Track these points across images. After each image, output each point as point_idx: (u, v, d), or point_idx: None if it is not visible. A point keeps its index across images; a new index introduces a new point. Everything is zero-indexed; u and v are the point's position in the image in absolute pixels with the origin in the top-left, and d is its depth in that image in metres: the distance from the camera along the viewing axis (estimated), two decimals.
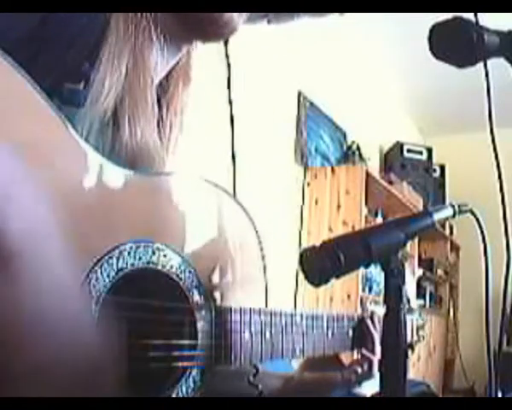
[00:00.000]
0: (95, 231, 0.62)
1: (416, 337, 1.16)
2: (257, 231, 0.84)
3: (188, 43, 0.82)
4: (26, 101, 0.56)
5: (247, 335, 0.77)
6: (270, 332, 0.81)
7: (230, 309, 0.76)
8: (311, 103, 3.53)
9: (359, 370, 0.98)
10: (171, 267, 0.71)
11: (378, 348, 0.97)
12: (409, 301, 1.17)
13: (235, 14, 0.74)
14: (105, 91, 0.68)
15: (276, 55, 3.01)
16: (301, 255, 0.67)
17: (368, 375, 0.99)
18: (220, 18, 0.73)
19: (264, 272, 0.85)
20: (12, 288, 0.46)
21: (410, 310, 1.15)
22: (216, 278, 0.77)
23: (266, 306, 0.84)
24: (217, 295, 0.76)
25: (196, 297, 0.73)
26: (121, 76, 0.69)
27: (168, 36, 0.75)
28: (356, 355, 1.01)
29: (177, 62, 0.83)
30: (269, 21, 0.82)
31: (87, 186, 0.62)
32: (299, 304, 3.22)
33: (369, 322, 1.01)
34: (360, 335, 1.00)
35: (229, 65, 0.84)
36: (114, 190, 0.66)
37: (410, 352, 1.12)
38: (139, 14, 0.71)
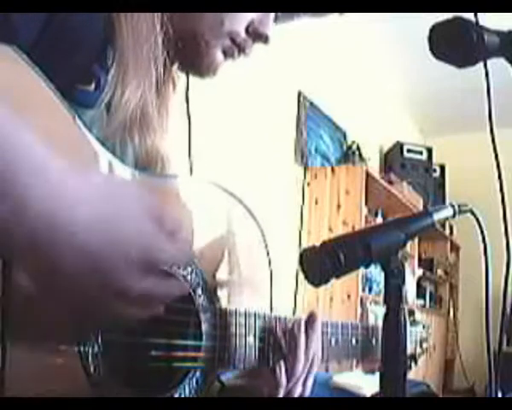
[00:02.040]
0: None
1: (419, 350, 1.15)
2: (264, 235, 0.84)
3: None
4: (41, 98, 0.57)
5: (251, 338, 0.77)
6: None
7: (235, 312, 0.76)
8: (311, 103, 3.53)
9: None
10: (178, 268, 0.71)
11: (301, 356, 0.82)
12: (414, 313, 1.16)
13: (218, 59, 0.78)
14: (124, 103, 0.68)
15: (276, 55, 3.01)
16: (301, 255, 0.67)
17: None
18: (205, 61, 0.78)
19: (271, 276, 0.84)
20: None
21: (415, 322, 1.14)
22: (222, 281, 0.77)
23: (271, 310, 0.84)
24: (222, 297, 0.76)
25: (202, 299, 0.73)
26: (138, 89, 0.70)
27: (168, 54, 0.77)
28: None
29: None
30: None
31: (97, 184, 0.62)
32: (299, 304, 3.22)
33: (298, 326, 0.84)
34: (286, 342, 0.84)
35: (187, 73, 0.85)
36: (123, 189, 0.66)
37: (413, 364, 1.11)
38: (148, 29, 0.71)
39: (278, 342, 0.82)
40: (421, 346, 1.16)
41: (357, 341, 0.97)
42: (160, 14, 0.72)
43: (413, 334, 1.12)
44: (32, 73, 0.56)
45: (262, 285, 0.84)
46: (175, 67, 0.82)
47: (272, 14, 0.80)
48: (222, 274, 0.77)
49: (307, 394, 0.85)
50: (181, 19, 0.74)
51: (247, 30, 0.78)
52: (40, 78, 0.56)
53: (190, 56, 0.78)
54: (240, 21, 0.77)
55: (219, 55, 0.78)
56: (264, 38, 0.79)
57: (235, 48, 0.78)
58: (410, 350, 1.12)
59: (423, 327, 1.17)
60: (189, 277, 0.72)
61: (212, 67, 0.79)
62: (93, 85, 0.69)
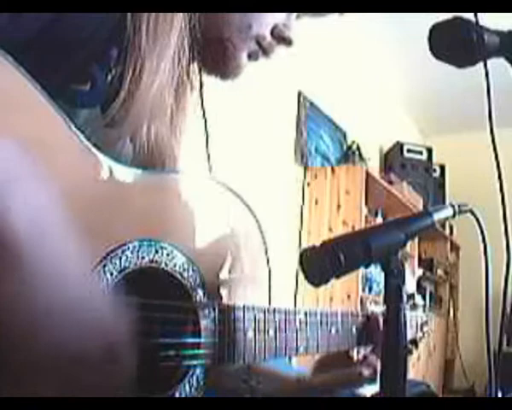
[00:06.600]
0: (98, 229, 0.62)
1: (420, 334, 1.15)
2: (262, 232, 0.84)
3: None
4: (27, 99, 0.56)
5: (250, 333, 0.77)
6: (274, 330, 0.81)
7: (234, 307, 0.76)
8: (311, 103, 3.53)
9: (366, 373, 0.97)
10: (175, 266, 0.71)
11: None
12: (413, 296, 1.15)
13: (243, 62, 0.79)
14: (140, 104, 0.69)
15: (276, 56, 3.01)
16: (301, 255, 0.67)
17: (374, 378, 0.97)
18: (231, 64, 0.79)
19: (269, 274, 0.84)
20: (16, 284, 0.46)
21: (414, 306, 1.14)
22: (219, 277, 0.77)
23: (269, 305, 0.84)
24: (220, 293, 0.76)
25: (199, 296, 0.73)
26: (157, 90, 0.71)
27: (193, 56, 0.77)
28: (361, 353, 1.00)
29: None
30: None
31: (90, 184, 0.62)
32: (299, 304, 3.22)
33: (380, 319, 0.98)
34: (370, 332, 0.98)
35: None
36: (118, 188, 0.66)
37: (413, 348, 1.11)
38: (173, 30, 0.71)
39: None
40: (421, 330, 1.15)
41: (357, 329, 0.97)
42: (187, 16, 0.72)
43: (413, 318, 1.12)
44: (17, 74, 0.54)
45: (263, 284, 0.84)
46: (193, 67, 0.82)
47: (294, 18, 0.81)
48: (221, 273, 0.77)
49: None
50: (208, 22, 0.75)
51: (271, 33, 0.79)
52: (26, 78, 0.55)
53: (217, 59, 0.79)
54: (266, 25, 0.79)
55: (245, 59, 0.79)
56: (287, 42, 0.81)
57: (260, 51, 0.80)
58: (410, 335, 1.12)
59: (423, 311, 1.16)
60: (185, 274, 0.72)
61: (236, 70, 0.80)
62: (88, 85, 0.68)
